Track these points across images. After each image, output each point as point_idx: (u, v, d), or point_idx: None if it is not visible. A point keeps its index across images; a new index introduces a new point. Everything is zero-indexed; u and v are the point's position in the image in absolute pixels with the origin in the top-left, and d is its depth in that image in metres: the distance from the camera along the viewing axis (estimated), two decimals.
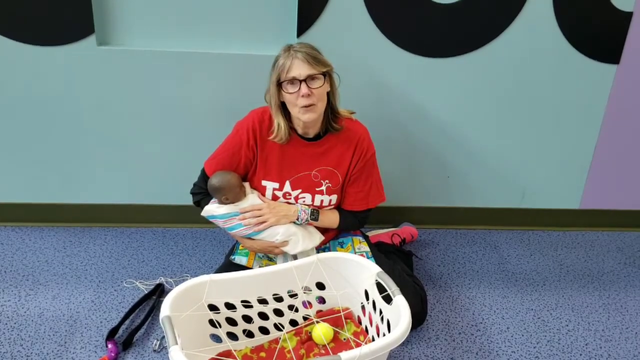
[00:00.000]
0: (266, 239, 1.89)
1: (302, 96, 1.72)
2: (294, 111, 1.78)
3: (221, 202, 1.89)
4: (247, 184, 1.93)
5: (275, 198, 1.92)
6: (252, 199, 1.89)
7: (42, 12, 2.07)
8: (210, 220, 1.93)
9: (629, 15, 2.25)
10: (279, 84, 1.76)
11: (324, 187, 1.91)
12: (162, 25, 2.16)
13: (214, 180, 1.87)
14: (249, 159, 1.89)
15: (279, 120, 1.81)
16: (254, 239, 1.91)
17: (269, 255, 1.98)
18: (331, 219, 1.96)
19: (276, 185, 1.90)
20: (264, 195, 1.92)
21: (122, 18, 2.14)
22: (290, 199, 1.92)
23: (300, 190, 1.90)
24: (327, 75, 1.78)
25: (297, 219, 1.89)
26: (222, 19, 2.16)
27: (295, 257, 1.93)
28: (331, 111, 1.85)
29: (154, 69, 2.18)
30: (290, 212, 1.89)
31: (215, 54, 2.18)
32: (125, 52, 2.15)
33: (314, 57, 1.74)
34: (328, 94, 1.81)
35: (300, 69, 1.72)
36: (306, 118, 1.77)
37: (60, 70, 2.16)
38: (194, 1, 2.13)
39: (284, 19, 2.17)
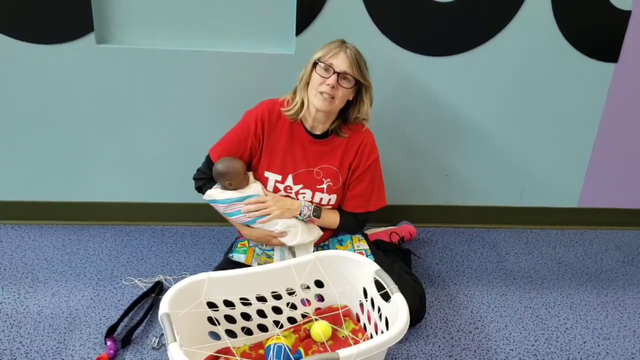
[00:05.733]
0: (265, 227, 1.90)
1: (328, 84, 1.76)
2: (312, 94, 1.82)
3: (224, 188, 1.91)
4: (250, 174, 1.94)
5: (276, 191, 1.93)
6: (255, 187, 1.91)
7: (41, 11, 2.07)
8: (211, 204, 1.95)
9: (627, 14, 2.25)
10: (316, 63, 1.80)
11: (324, 186, 1.92)
12: (161, 23, 2.16)
13: (219, 166, 1.89)
14: (254, 147, 1.91)
15: (303, 96, 1.85)
16: (252, 227, 1.92)
17: (267, 252, 1.98)
18: (332, 218, 1.97)
19: (279, 177, 1.92)
20: (265, 186, 1.93)
21: (121, 16, 2.14)
22: (291, 193, 1.93)
23: (301, 186, 1.92)
24: (359, 86, 1.83)
25: (300, 214, 1.90)
26: (221, 17, 2.16)
27: (292, 250, 1.93)
28: (344, 119, 1.90)
29: (152, 67, 2.18)
30: (294, 206, 1.91)
31: (214, 52, 2.18)
32: (124, 51, 2.16)
33: (358, 63, 1.80)
34: (349, 102, 1.86)
35: (341, 62, 1.78)
36: (319, 104, 1.81)
37: (60, 69, 2.16)
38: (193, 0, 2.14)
39: (283, 17, 2.17)
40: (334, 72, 1.77)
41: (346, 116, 1.90)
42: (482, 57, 2.28)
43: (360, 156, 1.92)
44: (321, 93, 1.78)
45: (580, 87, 2.37)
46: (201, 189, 1.98)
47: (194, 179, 2.01)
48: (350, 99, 1.86)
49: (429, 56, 2.26)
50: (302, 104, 1.85)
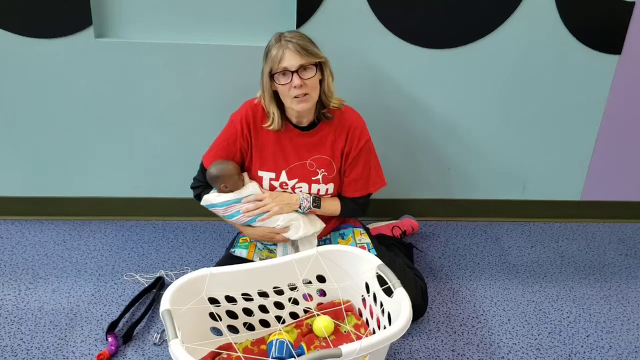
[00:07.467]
0: (267, 224, 1.89)
1: (295, 87, 1.72)
2: (287, 102, 1.78)
3: (220, 191, 1.90)
4: (245, 174, 1.93)
5: (272, 188, 1.92)
6: (251, 187, 1.90)
7: (39, 5, 2.06)
8: (210, 209, 1.93)
9: (630, 5, 2.23)
10: (271, 75, 1.75)
11: (319, 176, 1.91)
12: (160, 17, 2.15)
13: (212, 169, 1.88)
14: (244, 148, 1.89)
15: (272, 110, 1.82)
16: (253, 226, 1.91)
17: (269, 247, 1.98)
18: (333, 206, 1.96)
19: (272, 175, 1.90)
20: (261, 186, 1.92)
21: (120, 10, 2.13)
22: (287, 189, 1.92)
23: (296, 180, 1.90)
24: (319, 65, 1.78)
25: (300, 207, 1.89)
26: (220, 10, 2.15)
27: (295, 245, 1.93)
28: (321, 100, 1.85)
29: (152, 61, 2.17)
30: (293, 200, 1.89)
31: (214, 46, 2.16)
32: (123, 45, 2.14)
33: (304, 47, 1.72)
34: (320, 81, 1.81)
35: (291, 59, 1.71)
36: (300, 108, 1.77)
37: (59, 63, 2.15)
38: None
39: (283, 9, 2.15)
40: (292, 72, 1.71)
41: (321, 96, 1.84)
42: (485, 49, 2.26)
43: (350, 141, 1.89)
44: (296, 97, 1.74)
45: (583, 79, 2.35)
46: (200, 197, 1.96)
47: (191, 187, 1.99)
48: (320, 78, 1.81)
49: (431, 49, 2.24)
50: (277, 114, 1.82)
